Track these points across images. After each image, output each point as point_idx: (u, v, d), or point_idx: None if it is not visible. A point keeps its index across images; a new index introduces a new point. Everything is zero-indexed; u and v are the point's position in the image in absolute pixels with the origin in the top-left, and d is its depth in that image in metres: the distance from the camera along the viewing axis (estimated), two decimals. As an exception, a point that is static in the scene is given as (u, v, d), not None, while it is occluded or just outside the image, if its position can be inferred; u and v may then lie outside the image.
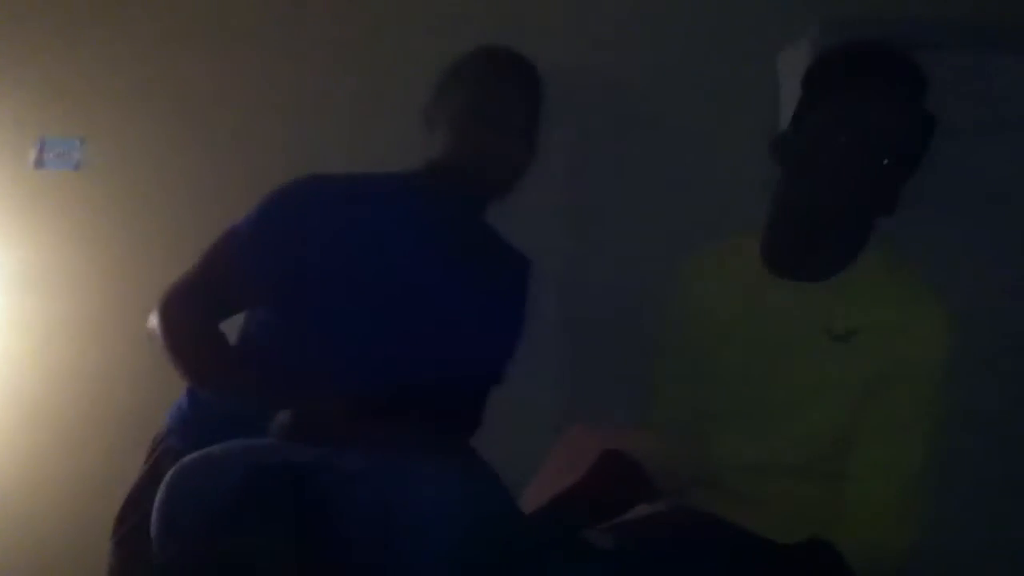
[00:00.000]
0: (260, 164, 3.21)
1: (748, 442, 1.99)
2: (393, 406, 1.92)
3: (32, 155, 3.56)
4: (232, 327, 2.27)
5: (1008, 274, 2.89)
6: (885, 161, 1.88)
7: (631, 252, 3.31)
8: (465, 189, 2.24)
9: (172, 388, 2.29)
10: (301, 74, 3.44)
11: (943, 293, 1.94)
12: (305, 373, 2.07)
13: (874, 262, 1.96)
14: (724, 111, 3.22)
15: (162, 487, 1.81)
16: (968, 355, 1.91)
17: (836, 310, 1.94)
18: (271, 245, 2.18)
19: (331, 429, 1.88)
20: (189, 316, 2.15)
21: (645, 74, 3.37)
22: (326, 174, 2.25)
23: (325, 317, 2.17)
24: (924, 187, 1.96)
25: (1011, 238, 2.91)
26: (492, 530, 1.85)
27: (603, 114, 3.39)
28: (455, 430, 2.21)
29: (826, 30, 2.87)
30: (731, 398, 2.02)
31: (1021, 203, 2.92)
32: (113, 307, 3.41)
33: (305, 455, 1.80)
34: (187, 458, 1.83)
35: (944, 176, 2.33)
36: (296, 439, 1.85)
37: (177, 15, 3.55)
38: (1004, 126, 2.94)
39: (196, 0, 3.55)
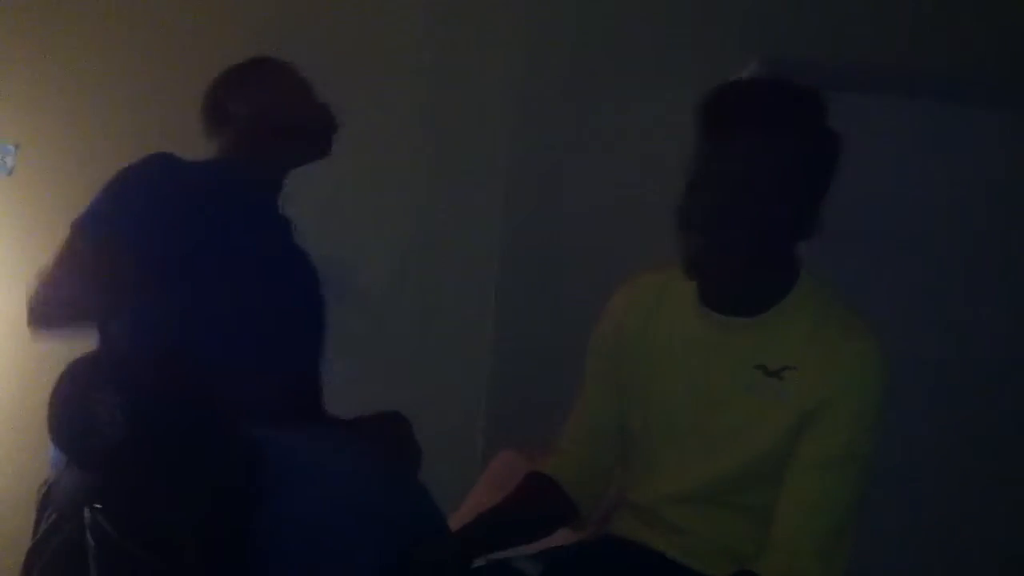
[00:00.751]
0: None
1: (678, 471, 1.98)
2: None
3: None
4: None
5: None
6: (748, 194, 1.83)
7: (564, 276, 3.34)
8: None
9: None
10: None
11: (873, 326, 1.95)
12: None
13: (804, 297, 1.95)
14: (656, 147, 3.22)
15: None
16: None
17: (769, 346, 1.92)
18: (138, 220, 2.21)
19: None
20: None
21: (581, 108, 3.41)
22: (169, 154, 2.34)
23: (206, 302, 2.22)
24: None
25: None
26: (421, 550, 1.86)
27: (544, 153, 3.43)
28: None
29: (764, 69, 2.92)
30: (664, 428, 2.00)
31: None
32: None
33: None
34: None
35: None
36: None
37: (111, 21, 3.54)
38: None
39: (131, 7, 3.54)
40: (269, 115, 2.43)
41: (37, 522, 2.18)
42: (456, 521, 2.07)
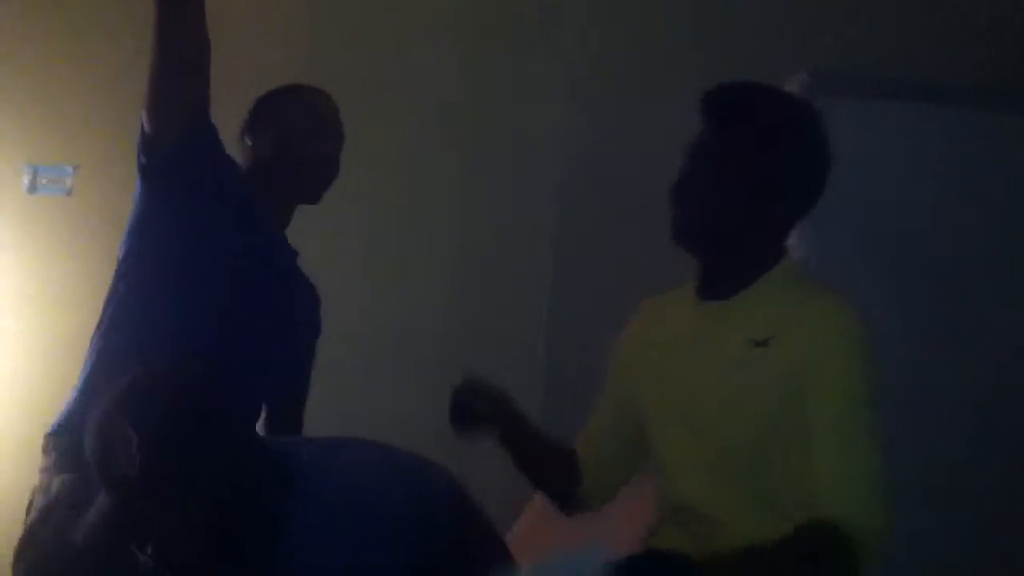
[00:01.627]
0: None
1: (689, 465, 2.03)
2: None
3: (25, 181, 3.60)
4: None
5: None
6: (713, 182, 1.99)
7: (611, 287, 3.35)
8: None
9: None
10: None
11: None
12: None
13: (778, 276, 2.04)
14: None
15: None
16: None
17: (754, 320, 2.01)
18: None
19: None
20: None
21: (632, 122, 3.43)
22: None
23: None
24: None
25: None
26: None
27: (587, 165, 3.45)
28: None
29: (814, 80, 2.93)
30: (669, 423, 2.07)
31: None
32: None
33: None
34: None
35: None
36: None
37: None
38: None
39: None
40: (279, 151, 2.48)
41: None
42: (516, 543, 2.14)
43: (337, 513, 1.89)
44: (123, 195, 3.50)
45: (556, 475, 2.24)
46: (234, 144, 2.50)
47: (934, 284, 3.11)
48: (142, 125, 2.37)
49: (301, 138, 2.47)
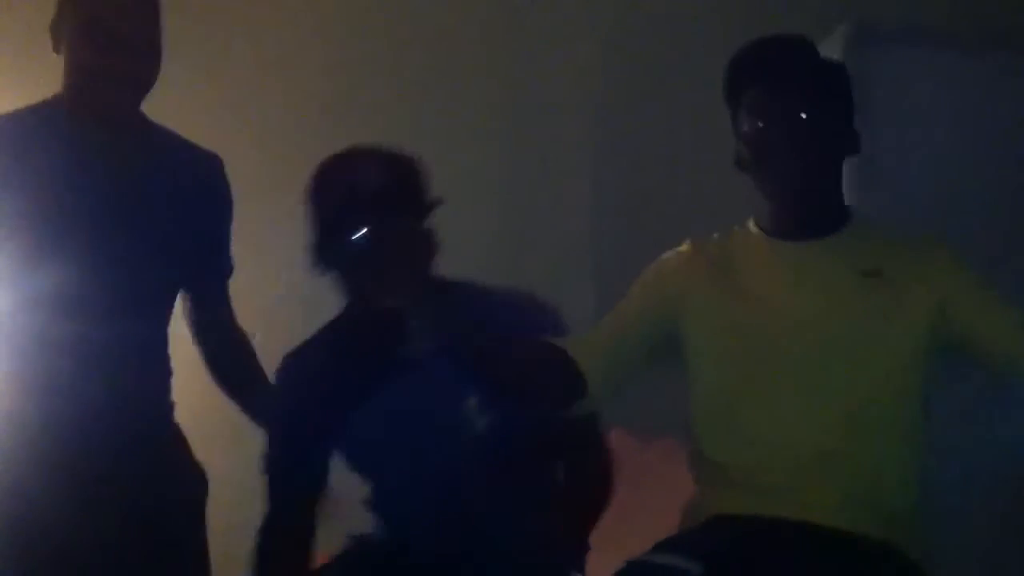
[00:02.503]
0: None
1: (792, 415, 2.00)
2: None
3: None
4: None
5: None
6: (803, 115, 2.02)
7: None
8: (97, 109, 2.29)
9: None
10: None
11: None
12: None
13: (864, 218, 2.11)
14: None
15: None
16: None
17: (857, 255, 2.04)
18: None
19: None
20: None
21: (671, 72, 3.40)
22: None
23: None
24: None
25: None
26: None
27: (624, 114, 3.42)
28: None
29: (858, 29, 2.90)
30: (769, 366, 2.03)
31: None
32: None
33: None
34: None
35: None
36: None
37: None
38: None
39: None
40: None
41: None
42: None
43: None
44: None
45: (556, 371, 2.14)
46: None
47: (984, 233, 3.07)
48: None
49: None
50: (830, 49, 2.90)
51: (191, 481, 2.42)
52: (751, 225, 2.15)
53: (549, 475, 2.29)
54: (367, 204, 2.02)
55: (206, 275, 2.49)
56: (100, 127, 2.30)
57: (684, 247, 2.19)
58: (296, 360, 2.22)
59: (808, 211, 2.08)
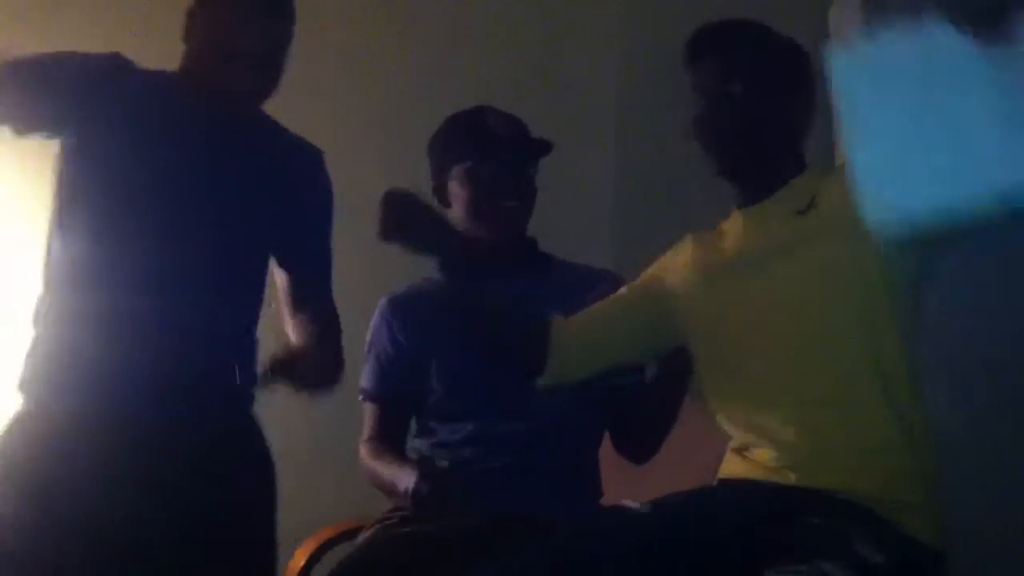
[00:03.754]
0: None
1: (764, 364, 2.08)
2: None
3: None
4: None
5: None
6: (737, 90, 2.14)
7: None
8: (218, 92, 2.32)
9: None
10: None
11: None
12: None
13: (809, 174, 2.20)
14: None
15: None
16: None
17: (795, 197, 2.13)
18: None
19: None
20: None
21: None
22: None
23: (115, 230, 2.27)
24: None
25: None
26: None
27: (646, 89, 3.44)
28: None
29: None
30: (737, 331, 2.13)
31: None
32: None
33: None
34: None
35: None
36: None
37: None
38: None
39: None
40: None
41: None
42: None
43: None
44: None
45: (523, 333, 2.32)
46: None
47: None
48: None
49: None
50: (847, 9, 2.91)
51: (257, 475, 2.39)
52: None
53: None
54: (506, 146, 2.49)
55: (302, 263, 2.48)
56: (210, 105, 2.33)
57: (685, 241, 2.31)
58: (398, 299, 2.60)
59: (744, 181, 2.19)
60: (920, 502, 1.93)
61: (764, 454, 2.05)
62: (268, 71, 2.32)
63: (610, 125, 3.73)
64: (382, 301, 2.65)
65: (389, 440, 2.60)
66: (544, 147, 2.56)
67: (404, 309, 2.61)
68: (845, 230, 1.92)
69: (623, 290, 2.35)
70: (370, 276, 2.79)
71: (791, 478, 2.00)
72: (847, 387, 2.01)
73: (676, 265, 2.29)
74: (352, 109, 3.61)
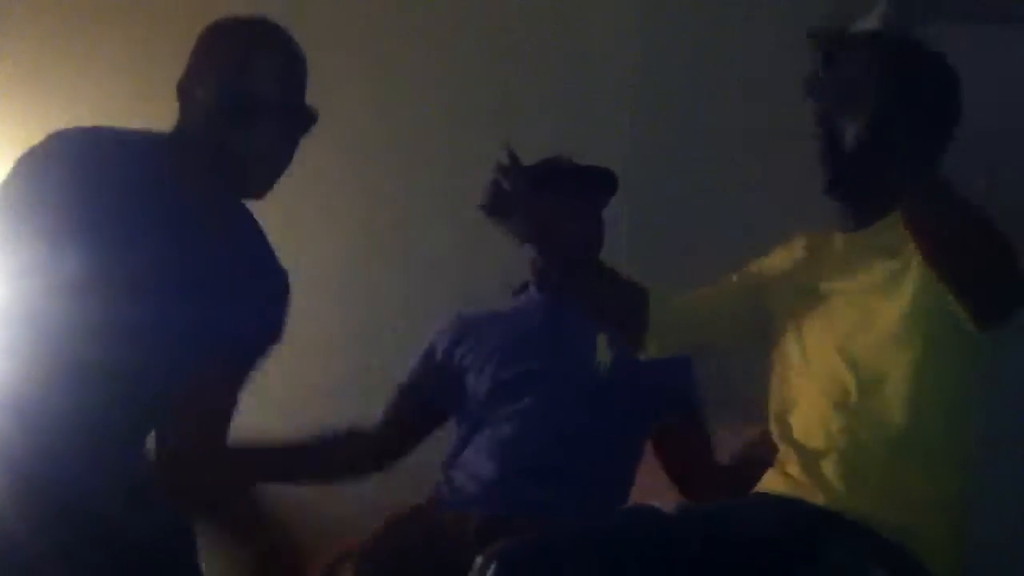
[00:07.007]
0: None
1: (821, 376, 2.08)
2: None
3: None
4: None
5: None
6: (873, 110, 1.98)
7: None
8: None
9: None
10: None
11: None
12: None
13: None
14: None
15: None
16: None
17: (884, 236, 2.07)
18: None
19: None
20: None
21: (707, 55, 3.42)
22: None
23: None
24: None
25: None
26: None
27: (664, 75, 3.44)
28: None
29: (900, 4, 2.88)
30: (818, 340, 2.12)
31: None
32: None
33: None
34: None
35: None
36: None
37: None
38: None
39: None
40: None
41: None
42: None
43: None
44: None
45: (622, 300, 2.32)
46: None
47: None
48: None
49: None
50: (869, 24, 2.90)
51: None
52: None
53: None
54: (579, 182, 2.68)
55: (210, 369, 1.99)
56: (197, 189, 2.08)
57: (797, 240, 2.29)
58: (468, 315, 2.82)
59: (843, 206, 2.15)
60: (944, 537, 1.97)
61: (800, 471, 2.06)
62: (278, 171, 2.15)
63: (626, 119, 3.70)
64: (454, 314, 2.85)
65: (382, 432, 2.73)
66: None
67: (470, 325, 2.80)
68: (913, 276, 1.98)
69: (732, 276, 2.35)
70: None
71: (819, 498, 2.01)
72: (915, 431, 2.02)
73: (783, 267, 2.28)
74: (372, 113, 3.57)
